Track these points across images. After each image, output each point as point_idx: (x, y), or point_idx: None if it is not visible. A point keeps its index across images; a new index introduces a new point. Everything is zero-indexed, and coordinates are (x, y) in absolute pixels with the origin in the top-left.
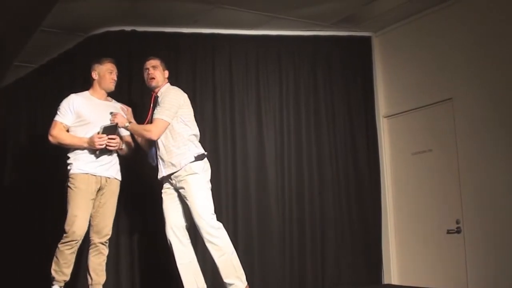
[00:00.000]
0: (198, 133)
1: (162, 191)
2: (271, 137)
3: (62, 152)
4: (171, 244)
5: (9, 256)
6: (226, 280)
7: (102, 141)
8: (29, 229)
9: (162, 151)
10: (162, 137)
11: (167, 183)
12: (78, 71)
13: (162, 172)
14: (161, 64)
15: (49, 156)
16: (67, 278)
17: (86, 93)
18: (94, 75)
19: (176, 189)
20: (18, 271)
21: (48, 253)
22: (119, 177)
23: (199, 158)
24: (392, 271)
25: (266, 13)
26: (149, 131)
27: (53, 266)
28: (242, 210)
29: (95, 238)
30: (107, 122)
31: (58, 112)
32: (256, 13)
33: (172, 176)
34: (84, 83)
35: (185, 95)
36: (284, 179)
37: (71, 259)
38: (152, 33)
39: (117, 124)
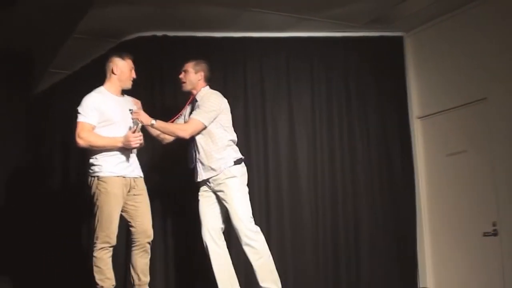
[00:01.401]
0: (236, 138)
1: (199, 193)
2: (303, 140)
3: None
4: (207, 246)
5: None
6: (262, 284)
7: (138, 140)
8: (68, 236)
9: (202, 155)
10: (202, 142)
11: (204, 186)
12: None
13: (202, 175)
14: (193, 67)
15: (84, 161)
16: (114, 282)
17: (102, 88)
18: (116, 70)
19: (214, 192)
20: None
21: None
22: (142, 174)
23: (237, 162)
24: (427, 275)
25: (296, 15)
26: (184, 130)
27: (97, 277)
28: (274, 217)
29: (141, 238)
30: (128, 120)
31: (81, 113)
32: (285, 15)
33: (210, 179)
34: None
35: (225, 101)
36: (317, 182)
37: (110, 262)
38: (183, 37)
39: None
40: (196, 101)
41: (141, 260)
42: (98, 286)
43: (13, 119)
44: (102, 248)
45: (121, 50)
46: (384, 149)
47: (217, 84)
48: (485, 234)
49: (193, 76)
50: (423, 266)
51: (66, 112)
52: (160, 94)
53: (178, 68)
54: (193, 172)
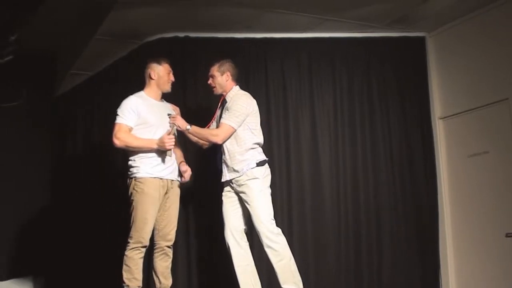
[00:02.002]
0: (262, 141)
1: (223, 193)
2: (326, 140)
3: (119, 157)
4: (229, 247)
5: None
6: (283, 285)
7: (172, 142)
8: (86, 235)
9: (226, 156)
10: (227, 143)
11: (227, 187)
12: (133, 78)
13: (226, 176)
14: (218, 70)
15: (107, 162)
16: (140, 283)
17: (142, 93)
18: (154, 75)
19: (237, 193)
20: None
21: (112, 260)
22: (180, 179)
23: (260, 164)
24: (450, 275)
25: (318, 15)
26: (216, 135)
27: (125, 275)
28: (296, 215)
29: (161, 242)
30: (166, 124)
31: (120, 114)
32: (307, 16)
33: (233, 181)
34: (139, 90)
35: (254, 102)
36: (339, 182)
37: (141, 263)
38: (205, 38)
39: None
40: (226, 101)
41: (162, 263)
42: (124, 285)
43: (35, 120)
44: (134, 248)
45: (143, 51)
46: (406, 149)
47: (239, 84)
48: (508, 235)
49: (220, 78)
50: (445, 267)
51: (87, 113)
52: (182, 95)
53: (200, 68)
54: (220, 173)
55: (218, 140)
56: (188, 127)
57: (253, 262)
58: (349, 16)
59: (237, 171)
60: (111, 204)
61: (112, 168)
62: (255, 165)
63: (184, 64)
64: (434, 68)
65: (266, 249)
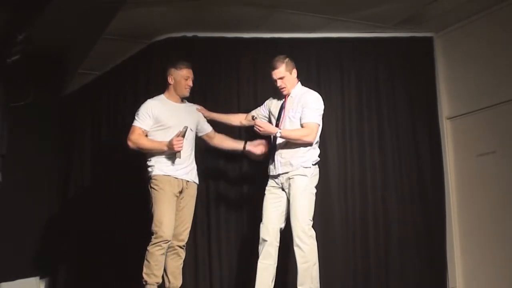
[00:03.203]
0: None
1: (267, 188)
2: (333, 140)
3: (127, 157)
4: (264, 242)
5: (94, 263)
6: (299, 286)
7: (180, 144)
8: (94, 236)
9: (286, 150)
10: None
11: (273, 181)
12: (142, 78)
13: (278, 169)
14: (286, 69)
15: (115, 162)
16: (160, 280)
17: (161, 96)
18: (170, 80)
19: (282, 188)
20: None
21: (120, 261)
22: (197, 181)
23: (314, 164)
24: (457, 276)
25: (326, 15)
26: (308, 135)
27: (145, 270)
28: None
29: (173, 241)
30: (187, 124)
31: (136, 118)
32: (315, 16)
33: (280, 175)
34: (147, 90)
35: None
36: (347, 183)
37: (162, 260)
38: (213, 38)
39: (187, 128)
40: (291, 98)
41: (173, 263)
42: (142, 280)
43: (43, 120)
44: (155, 243)
45: (151, 51)
46: (414, 149)
47: (247, 84)
48: None
49: (290, 77)
50: (453, 267)
51: (95, 113)
52: (190, 95)
53: (208, 68)
54: (269, 166)
55: (311, 139)
56: (279, 131)
57: (276, 264)
58: (357, 16)
59: (292, 165)
60: (119, 204)
61: (120, 168)
62: (311, 165)
63: (192, 63)
64: (442, 68)
65: (294, 248)
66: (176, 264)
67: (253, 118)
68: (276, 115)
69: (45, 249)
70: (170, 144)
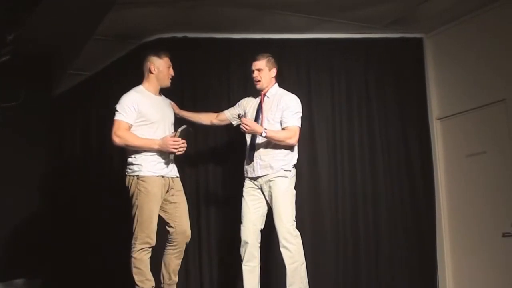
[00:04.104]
0: None
1: (245, 190)
2: (323, 141)
3: (117, 157)
4: (246, 244)
5: (82, 264)
6: (289, 287)
7: (177, 145)
8: (83, 237)
9: (264, 152)
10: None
11: (250, 182)
12: (132, 78)
13: (258, 171)
14: (267, 65)
15: (104, 162)
16: (154, 283)
17: (140, 88)
18: (153, 69)
19: (261, 190)
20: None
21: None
22: (179, 174)
23: (294, 166)
24: (447, 275)
25: (317, 16)
26: (291, 137)
27: (137, 278)
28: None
29: (180, 239)
30: (167, 120)
31: (119, 110)
32: (306, 17)
33: (261, 177)
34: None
35: None
36: (337, 183)
37: (149, 263)
38: (203, 39)
39: (187, 127)
40: (267, 98)
41: (176, 261)
42: (138, 287)
43: (33, 120)
44: (142, 249)
45: (141, 52)
46: (404, 150)
47: (237, 85)
48: (505, 235)
49: (268, 73)
50: (443, 267)
51: (86, 113)
52: (180, 95)
53: (198, 69)
54: (246, 167)
55: (294, 142)
56: (264, 133)
57: (259, 264)
58: (347, 17)
59: (272, 168)
60: (108, 205)
61: (109, 169)
62: (291, 168)
63: (182, 64)
64: (432, 69)
65: (281, 249)
66: (178, 262)
67: (239, 116)
68: (253, 116)
69: (33, 250)
70: (165, 145)
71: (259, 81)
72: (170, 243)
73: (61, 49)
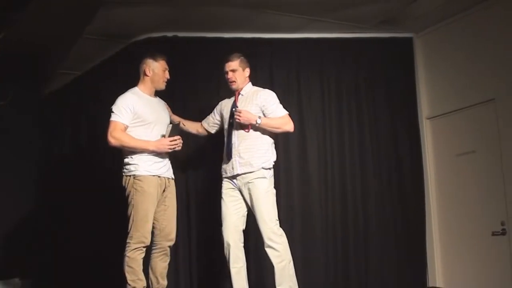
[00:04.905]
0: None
1: (224, 191)
2: (314, 140)
3: (106, 157)
4: (228, 246)
5: (74, 265)
6: (278, 287)
7: (173, 144)
8: (75, 236)
9: (244, 149)
10: (252, 135)
11: (229, 183)
12: (122, 78)
13: (237, 169)
14: (240, 65)
15: (94, 162)
16: (145, 283)
17: (136, 89)
18: (148, 71)
19: (240, 190)
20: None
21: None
22: (173, 176)
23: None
24: (437, 274)
25: (307, 16)
26: (287, 123)
27: (129, 277)
28: (284, 216)
29: (163, 242)
30: (162, 121)
31: (115, 112)
32: (296, 17)
33: (238, 177)
34: (127, 90)
35: None
36: (327, 182)
37: (141, 263)
38: (193, 38)
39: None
40: (241, 96)
41: (161, 264)
42: (129, 286)
43: (23, 120)
44: (136, 248)
45: (131, 51)
46: (394, 149)
47: (227, 84)
48: (494, 234)
49: (242, 73)
50: (433, 266)
51: (76, 112)
52: (170, 94)
53: (189, 68)
54: (224, 167)
55: (291, 128)
56: (259, 120)
57: (245, 264)
58: (337, 17)
59: (252, 165)
60: (100, 204)
61: (99, 168)
62: (271, 165)
63: (173, 63)
64: (422, 68)
65: (267, 249)
66: (164, 265)
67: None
68: (228, 115)
69: (26, 251)
70: (162, 145)
71: (234, 81)
72: (154, 245)
73: (50, 49)
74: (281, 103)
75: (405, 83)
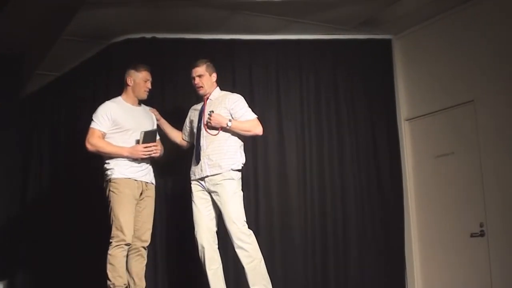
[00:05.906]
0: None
1: (194, 193)
2: (292, 142)
3: (84, 159)
4: (203, 248)
5: (53, 266)
6: (252, 287)
7: (147, 151)
8: (54, 238)
9: (213, 151)
10: (221, 138)
11: (198, 186)
12: (100, 79)
13: (206, 171)
14: (206, 70)
15: (73, 163)
16: (126, 281)
17: (119, 98)
18: (130, 81)
19: (209, 192)
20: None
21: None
22: (154, 182)
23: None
24: (415, 275)
25: (285, 17)
26: (257, 126)
27: (110, 274)
28: (264, 217)
29: (137, 242)
30: (142, 128)
31: (94, 119)
32: (275, 18)
33: (206, 179)
34: (106, 91)
35: None
36: (306, 184)
37: (124, 262)
38: (172, 39)
39: (156, 129)
40: (210, 100)
41: (137, 265)
42: (109, 283)
43: (2, 122)
44: (117, 245)
45: (110, 52)
46: (372, 151)
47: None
48: (473, 235)
49: (209, 78)
50: (411, 267)
51: (55, 114)
52: (148, 95)
53: (167, 69)
54: (193, 169)
55: (260, 131)
56: (229, 123)
57: (221, 264)
58: (316, 18)
59: (220, 167)
60: (78, 205)
61: (78, 169)
62: (240, 167)
63: (151, 65)
64: (400, 70)
65: (237, 250)
66: (140, 266)
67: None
68: (196, 119)
69: (3, 252)
70: (135, 152)
71: (201, 87)
72: (129, 246)
73: (29, 50)
74: (260, 103)
75: (383, 85)
